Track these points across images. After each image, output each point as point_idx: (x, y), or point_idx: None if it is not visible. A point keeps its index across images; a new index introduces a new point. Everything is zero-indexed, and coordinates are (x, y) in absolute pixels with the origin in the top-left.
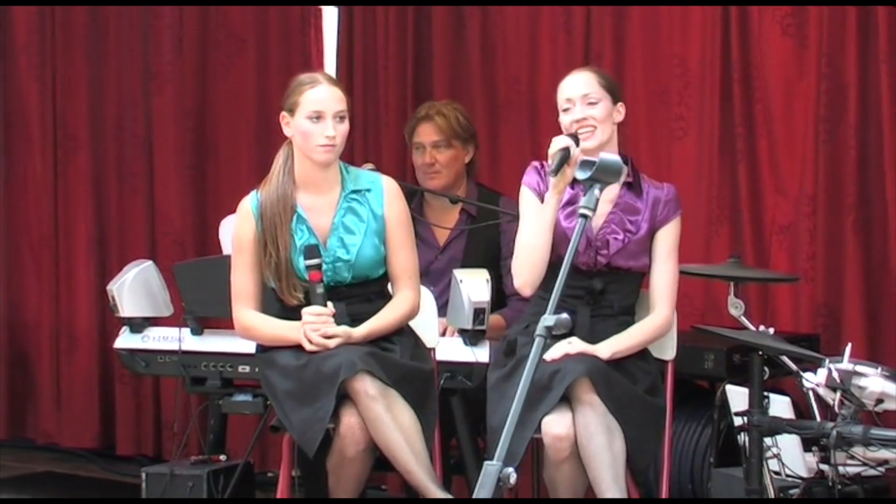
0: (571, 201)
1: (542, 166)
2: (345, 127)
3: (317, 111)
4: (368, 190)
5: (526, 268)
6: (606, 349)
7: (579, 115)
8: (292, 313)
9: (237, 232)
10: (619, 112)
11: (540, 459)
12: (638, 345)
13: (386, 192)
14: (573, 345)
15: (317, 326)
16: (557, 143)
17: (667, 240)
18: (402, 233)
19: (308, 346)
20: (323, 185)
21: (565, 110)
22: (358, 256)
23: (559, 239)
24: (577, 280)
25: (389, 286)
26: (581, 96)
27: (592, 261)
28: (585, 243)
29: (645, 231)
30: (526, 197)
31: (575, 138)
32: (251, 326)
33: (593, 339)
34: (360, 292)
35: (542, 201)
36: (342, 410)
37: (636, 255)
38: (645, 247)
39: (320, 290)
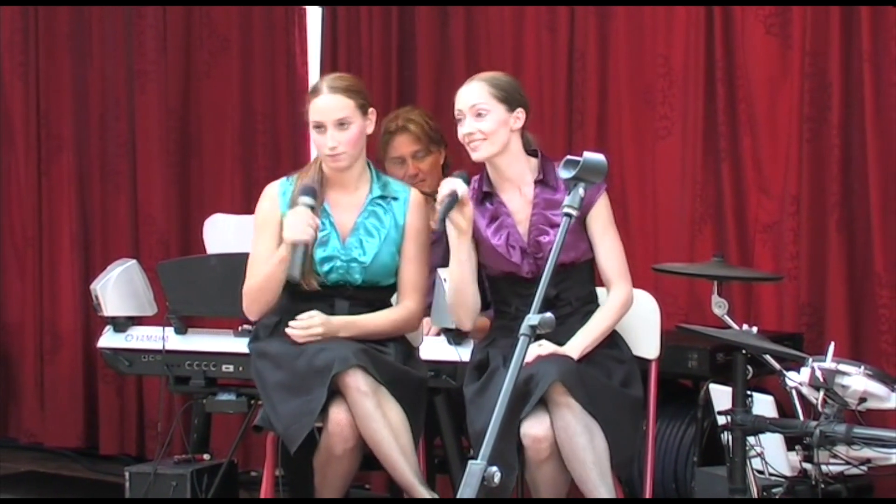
0: (494, 216)
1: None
2: (350, 133)
3: (317, 122)
4: (395, 198)
5: (457, 308)
6: (576, 348)
7: (467, 129)
8: (301, 304)
9: (262, 213)
10: (518, 118)
11: (524, 460)
12: (606, 330)
13: (411, 204)
14: (543, 346)
15: (302, 333)
16: (444, 187)
17: (599, 220)
18: (417, 247)
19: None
20: (349, 185)
21: (458, 121)
22: (374, 261)
23: (494, 256)
24: (528, 289)
25: (394, 299)
26: (469, 107)
27: (533, 267)
28: (520, 253)
29: (573, 220)
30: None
31: (465, 177)
32: (248, 288)
33: (558, 340)
34: (366, 296)
35: None
36: (331, 407)
37: (573, 246)
38: (579, 235)
39: (300, 251)
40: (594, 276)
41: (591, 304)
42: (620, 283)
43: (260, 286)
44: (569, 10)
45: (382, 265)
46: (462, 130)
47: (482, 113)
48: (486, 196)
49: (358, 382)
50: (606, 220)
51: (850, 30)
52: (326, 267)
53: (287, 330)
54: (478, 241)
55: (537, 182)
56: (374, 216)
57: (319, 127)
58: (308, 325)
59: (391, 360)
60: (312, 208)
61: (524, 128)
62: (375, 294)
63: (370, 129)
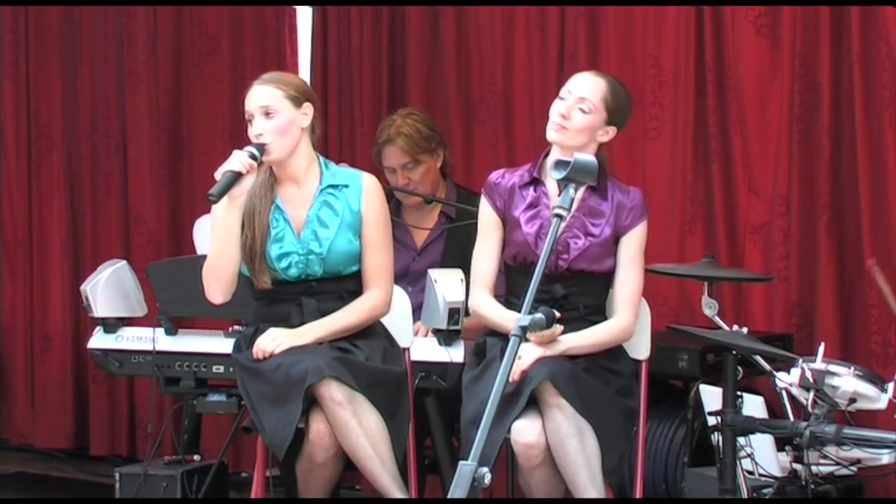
0: (533, 204)
1: (503, 176)
2: (276, 122)
3: (247, 113)
4: (346, 186)
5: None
6: (562, 345)
7: (563, 110)
8: (272, 307)
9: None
10: (607, 133)
11: (514, 459)
12: (595, 345)
13: (364, 190)
14: (523, 360)
15: (266, 348)
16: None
17: (631, 246)
18: (378, 232)
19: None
20: (298, 179)
21: (561, 98)
22: (330, 250)
23: (522, 245)
24: (542, 285)
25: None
26: (578, 97)
27: (554, 264)
28: None
29: (608, 235)
30: (485, 213)
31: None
32: (204, 269)
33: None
34: (333, 289)
35: (500, 218)
36: (312, 416)
37: (599, 259)
38: (609, 250)
39: (228, 175)
40: (608, 290)
41: (599, 317)
42: (628, 312)
43: (212, 261)
44: (559, 10)
45: (340, 252)
46: (558, 108)
47: (584, 109)
48: (532, 181)
49: (332, 393)
50: (637, 249)
51: (839, 30)
52: (285, 263)
53: (254, 351)
54: (509, 223)
55: (589, 187)
56: (326, 206)
57: (249, 119)
58: (271, 349)
59: (368, 361)
60: (255, 158)
61: (607, 143)
62: (341, 285)
63: (305, 123)
